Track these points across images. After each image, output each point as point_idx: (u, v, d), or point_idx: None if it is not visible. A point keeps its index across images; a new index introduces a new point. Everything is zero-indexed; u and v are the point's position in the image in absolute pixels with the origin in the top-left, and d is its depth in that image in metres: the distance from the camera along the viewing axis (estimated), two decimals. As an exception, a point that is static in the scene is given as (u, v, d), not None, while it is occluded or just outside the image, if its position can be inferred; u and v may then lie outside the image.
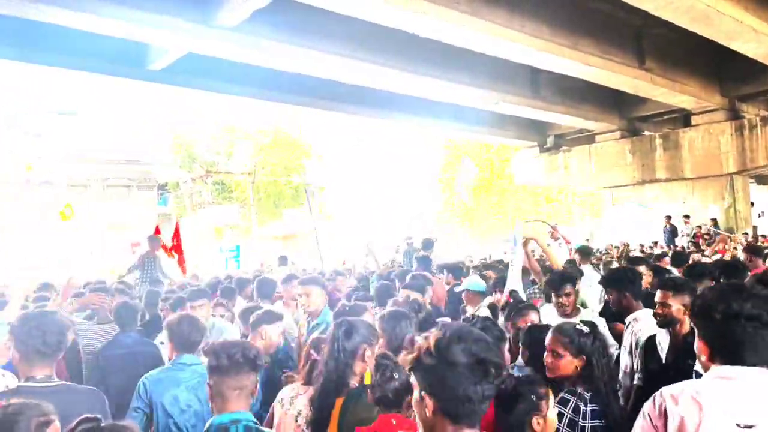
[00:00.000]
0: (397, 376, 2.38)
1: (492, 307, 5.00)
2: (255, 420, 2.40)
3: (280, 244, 27.25)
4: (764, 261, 6.43)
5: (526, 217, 28.58)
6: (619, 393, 3.42)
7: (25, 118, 30.02)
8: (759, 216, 19.74)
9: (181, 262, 10.63)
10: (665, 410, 1.80)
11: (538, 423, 2.31)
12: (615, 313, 4.06)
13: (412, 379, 1.65)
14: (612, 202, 20.13)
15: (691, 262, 7.20)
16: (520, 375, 2.81)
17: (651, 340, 3.41)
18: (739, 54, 12.36)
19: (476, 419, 1.59)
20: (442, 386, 1.56)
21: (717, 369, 1.78)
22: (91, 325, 5.17)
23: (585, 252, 8.25)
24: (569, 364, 2.75)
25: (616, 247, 16.00)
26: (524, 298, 4.94)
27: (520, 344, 3.40)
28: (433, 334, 1.64)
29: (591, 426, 2.58)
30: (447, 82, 13.22)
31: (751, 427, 1.67)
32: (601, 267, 8.42)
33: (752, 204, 18.27)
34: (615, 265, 8.50)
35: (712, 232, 16.15)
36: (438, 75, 12.95)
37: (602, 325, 3.88)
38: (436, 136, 29.94)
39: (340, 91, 14.09)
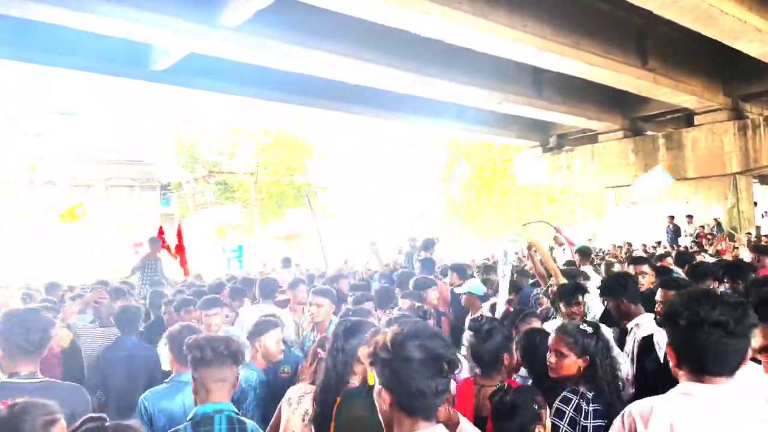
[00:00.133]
0: None
1: (493, 309, 5.00)
2: (236, 410, 2.50)
3: (283, 244, 27.26)
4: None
5: (529, 218, 28.58)
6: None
7: (28, 119, 30.08)
8: (762, 216, 19.71)
9: (183, 262, 10.63)
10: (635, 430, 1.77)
11: (543, 429, 2.37)
12: (616, 320, 4.03)
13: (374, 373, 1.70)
14: (615, 202, 20.09)
15: (695, 262, 7.17)
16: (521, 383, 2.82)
17: (648, 339, 3.38)
18: (743, 53, 12.34)
19: (431, 413, 1.64)
20: (397, 381, 1.61)
21: (683, 385, 1.75)
22: (92, 328, 5.18)
23: (585, 253, 8.24)
24: (573, 364, 2.75)
25: (618, 247, 15.99)
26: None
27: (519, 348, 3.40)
28: (391, 330, 1.69)
29: (593, 426, 2.57)
30: (449, 82, 13.22)
31: None
32: (602, 267, 8.39)
33: (755, 204, 18.23)
34: (617, 266, 8.48)
35: (715, 232, 16.11)
36: (440, 75, 12.95)
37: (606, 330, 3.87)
38: (439, 136, 29.95)
39: (343, 91, 14.09)
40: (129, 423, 1.92)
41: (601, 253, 15.00)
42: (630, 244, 15.79)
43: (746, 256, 6.77)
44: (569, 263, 7.33)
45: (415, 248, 9.54)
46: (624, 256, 12.50)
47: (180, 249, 10.71)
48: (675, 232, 16.98)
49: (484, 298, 5.53)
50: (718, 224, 16.51)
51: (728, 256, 9.33)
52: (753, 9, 10.27)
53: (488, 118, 17.76)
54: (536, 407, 2.41)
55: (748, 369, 2.25)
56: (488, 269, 8.08)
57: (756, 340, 2.44)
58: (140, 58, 11.65)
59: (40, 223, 27.56)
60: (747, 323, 1.68)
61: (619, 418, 1.86)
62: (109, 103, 32.84)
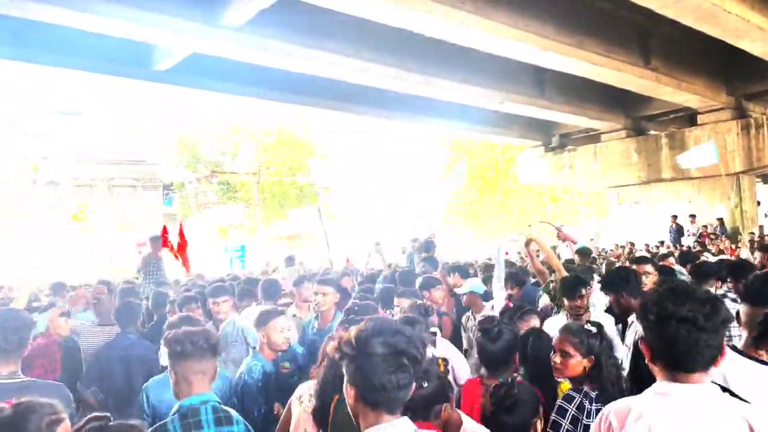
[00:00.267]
0: (426, 384, 2.37)
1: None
2: (219, 400, 2.59)
3: (285, 244, 27.27)
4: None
5: (532, 218, 28.55)
6: None
7: (31, 119, 30.14)
8: (765, 215, 19.65)
9: (185, 261, 10.61)
10: None
11: (540, 423, 2.45)
12: (618, 314, 4.04)
13: (344, 369, 1.75)
14: (618, 202, 20.06)
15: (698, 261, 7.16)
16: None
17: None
18: (746, 52, 12.31)
19: (394, 406, 1.70)
20: (360, 376, 1.68)
21: (658, 385, 1.75)
22: (91, 326, 5.18)
23: (585, 253, 8.24)
24: (578, 364, 2.75)
25: (621, 246, 15.97)
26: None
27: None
28: (355, 327, 1.75)
29: (596, 425, 2.57)
30: (451, 82, 13.22)
31: None
32: (603, 267, 8.39)
33: (759, 203, 18.20)
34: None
35: (718, 232, 16.09)
36: (442, 75, 12.95)
37: (610, 323, 3.87)
38: (441, 136, 29.93)
39: (345, 90, 14.09)
40: (132, 422, 1.93)
41: (604, 253, 15.00)
42: (633, 244, 15.77)
43: (746, 255, 6.76)
44: (569, 262, 7.33)
45: (416, 249, 9.55)
46: (626, 256, 12.48)
47: (182, 247, 10.69)
48: (678, 232, 16.96)
49: (485, 297, 5.53)
50: (721, 224, 16.49)
51: (729, 255, 9.31)
52: (756, 8, 10.25)
53: (490, 117, 17.74)
54: (536, 401, 2.45)
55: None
56: (489, 268, 8.09)
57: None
58: (142, 59, 11.66)
59: (42, 223, 27.62)
60: (717, 319, 1.68)
61: (597, 420, 1.88)
62: (112, 104, 32.88)
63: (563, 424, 2.56)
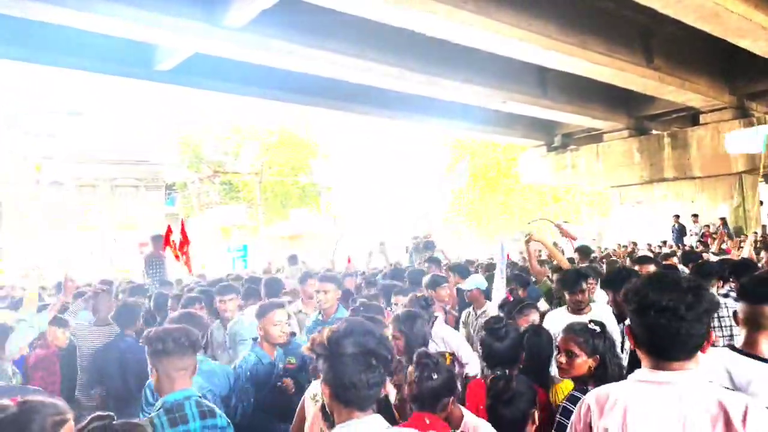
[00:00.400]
0: (435, 376, 2.40)
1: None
2: (200, 395, 2.68)
3: (287, 243, 27.29)
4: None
5: (533, 217, 28.52)
6: None
7: (33, 119, 30.19)
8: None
9: (187, 261, 10.56)
10: (590, 422, 1.79)
11: (537, 414, 2.51)
12: (618, 314, 4.04)
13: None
14: (620, 202, 20.04)
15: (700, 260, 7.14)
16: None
17: None
18: (748, 52, 12.29)
19: (365, 404, 1.77)
20: (332, 375, 1.77)
21: (640, 372, 1.76)
22: (88, 327, 5.16)
23: (585, 251, 8.23)
24: (584, 364, 2.75)
25: (624, 246, 15.95)
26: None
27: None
28: (329, 328, 1.84)
29: (600, 425, 2.57)
30: (454, 82, 13.21)
31: None
32: (604, 266, 8.37)
33: (761, 203, 18.15)
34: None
35: (721, 231, 16.06)
36: (445, 74, 12.94)
37: (610, 317, 3.88)
38: (443, 136, 29.93)
39: (348, 90, 14.09)
40: (136, 421, 1.95)
41: (606, 252, 14.97)
42: (635, 244, 15.75)
43: (747, 254, 6.74)
44: (569, 261, 7.33)
45: (414, 247, 9.58)
46: (625, 253, 12.47)
47: (184, 246, 10.65)
48: (680, 232, 16.94)
49: (486, 295, 5.54)
50: (724, 223, 16.46)
51: (732, 255, 9.28)
52: (759, 7, 10.22)
53: (493, 117, 17.74)
54: (533, 393, 2.47)
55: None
56: (491, 267, 8.10)
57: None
58: (145, 59, 11.68)
59: (45, 223, 27.67)
60: (700, 308, 1.67)
61: (577, 407, 1.89)
62: (114, 104, 32.97)
63: (568, 425, 2.56)
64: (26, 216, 27.31)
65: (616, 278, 3.97)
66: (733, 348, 2.45)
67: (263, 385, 3.58)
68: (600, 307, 4.19)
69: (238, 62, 11.59)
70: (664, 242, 15.93)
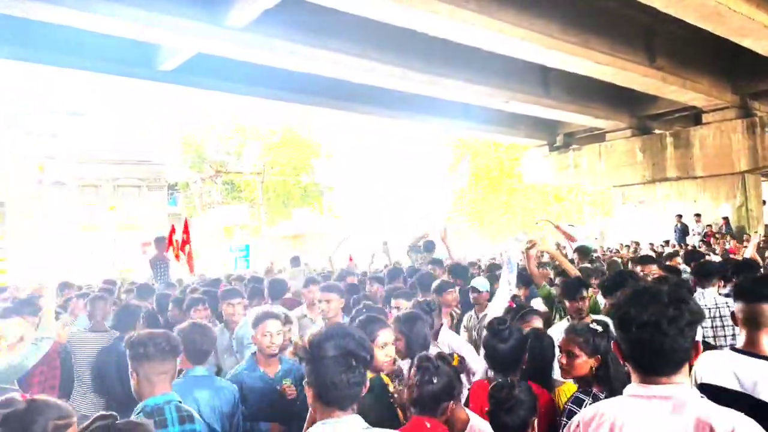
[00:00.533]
0: (436, 380, 2.40)
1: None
2: (180, 399, 2.70)
3: (290, 243, 27.32)
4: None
5: (536, 217, 28.47)
6: None
7: (36, 119, 30.24)
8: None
9: (189, 260, 10.56)
10: None
11: (536, 422, 2.50)
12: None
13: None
14: (622, 201, 20.02)
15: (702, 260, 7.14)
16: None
17: None
18: (751, 51, 12.27)
19: (345, 403, 1.87)
20: (315, 376, 1.87)
21: (630, 387, 1.74)
22: (83, 333, 5.11)
23: (584, 252, 8.21)
24: (584, 364, 2.74)
25: (626, 246, 15.94)
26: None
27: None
28: (311, 333, 1.96)
29: (605, 427, 2.57)
30: (456, 81, 13.21)
31: None
32: (605, 266, 8.36)
33: (764, 202, 18.13)
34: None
35: (723, 231, 16.04)
36: (447, 74, 12.94)
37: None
38: (445, 135, 29.91)
39: (350, 90, 14.09)
40: (139, 421, 1.96)
41: (608, 252, 14.97)
42: (637, 243, 15.74)
43: (750, 254, 6.73)
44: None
45: (419, 250, 9.56)
46: (631, 255, 12.45)
47: (186, 245, 10.65)
48: (683, 231, 16.91)
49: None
50: (727, 223, 16.44)
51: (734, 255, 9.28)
52: (761, 6, 10.20)
53: (495, 117, 17.73)
54: (535, 400, 2.48)
55: None
56: (493, 267, 8.09)
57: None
58: (147, 59, 11.69)
59: (47, 223, 27.71)
60: (682, 322, 1.65)
61: (567, 426, 1.88)
62: (117, 104, 32.99)
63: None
64: (29, 216, 27.35)
65: (613, 283, 3.96)
66: (734, 349, 2.45)
67: (251, 397, 3.55)
68: (602, 316, 4.18)
69: (240, 62, 11.60)
70: (667, 242, 15.91)
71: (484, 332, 3.28)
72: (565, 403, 2.73)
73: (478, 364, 3.88)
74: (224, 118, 34.82)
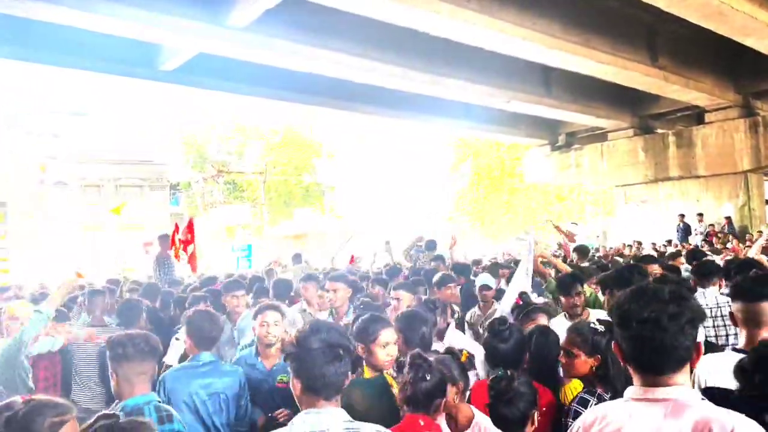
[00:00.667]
0: (429, 377, 2.40)
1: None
2: (159, 399, 2.76)
3: (291, 243, 27.34)
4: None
5: (536, 216, 28.48)
6: None
7: (37, 119, 30.29)
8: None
9: (192, 259, 10.53)
10: None
11: (537, 416, 2.51)
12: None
13: (289, 368, 2.03)
14: (625, 201, 19.99)
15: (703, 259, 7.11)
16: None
17: None
18: (754, 50, 12.25)
19: (331, 393, 1.96)
20: (303, 368, 1.96)
21: (632, 389, 1.72)
22: (81, 328, 5.10)
23: (583, 251, 8.20)
24: (584, 363, 2.73)
25: (628, 245, 15.91)
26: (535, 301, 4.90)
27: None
28: (298, 329, 2.08)
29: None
30: (458, 81, 13.21)
31: None
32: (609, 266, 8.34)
33: (767, 202, 18.09)
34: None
35: (726, 230, 16.02)
36: (449, 74, 12.93)
37: None
38: (447, 135, 29.91)
39: (352, 90, 14.09)
40: (142, 420, 1.99)
41: (610, 251, 14.94)
42: (640, 243, 15.71)
43: (754, 254, 6.70)
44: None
45: (421, 248, 9.58)
46: (632, 254, 12.43)
47: (189, 244, 10.62)
48: (685, 231, 16.88)
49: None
50: (729, 222, 16.41)
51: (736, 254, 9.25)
52: (764, 5, 10.18)
53: (497, 116, 17.72)
54: (534, 394, 2.47)
55: None
56: (495, 267, 8.08)
57: None
58: (149, 59, 11.70)
59: (50, 223, 27.75)
60: (682, 319, 1.63)
61: (570, 429, 1.87)
62: (118, 104, 33.06)
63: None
64: (31, 216, 27.40)
65: (610, 278, 3.94)
66: (736, 349, 2.43)
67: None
68: (599, 313, 4.15)
69: (241, 62, 11.61)
70: (669, 241, 15.88)
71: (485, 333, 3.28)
72: (570, 403, 2.72)
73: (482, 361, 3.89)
74: (226, 118, 34.86)
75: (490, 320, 3.58)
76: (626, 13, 12.23)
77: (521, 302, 4.54)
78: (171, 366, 3.89)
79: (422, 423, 2.37)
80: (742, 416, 1.59)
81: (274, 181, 36.28)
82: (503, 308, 4.65)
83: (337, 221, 32.61)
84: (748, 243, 12.05)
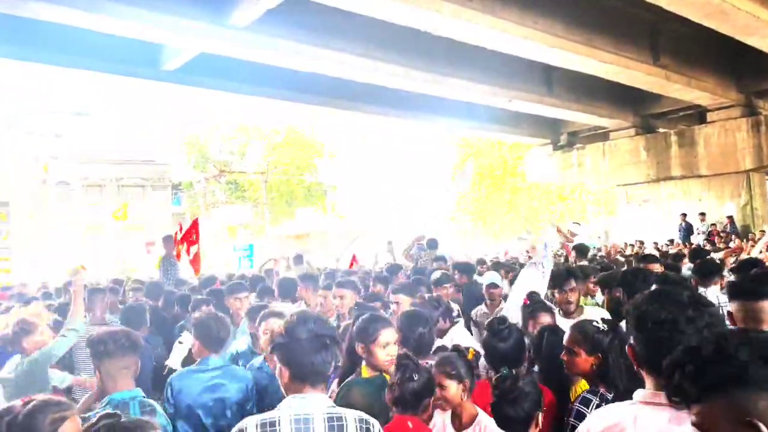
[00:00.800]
0: (416, 377, 2.40)
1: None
2: (144, 395, 2.80)
3: (293, 243, 27.37)
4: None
5: (538, 215, 28.46)
6: None
7: (40, 119, 30.34)
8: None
9: (196, 260, 10.51)
10: None
11: (540, 417, 2.49)
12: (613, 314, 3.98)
13: (275, 358, 2.10)
14: (627, 200, 19.97)
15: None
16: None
17: None
18: (756, 49, 12.23)
19: (317, 380, 2.06)
20: (292, 357, 2.04)
21: (642, 392, 1.68)
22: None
23: (581, 250, 8.20)
24: (584, 362, 2.72)
25: (630, 245, 15.90)
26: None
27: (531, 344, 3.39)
28: (286, 320, 2.14)
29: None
30: (460, 80, 13.20)
31: None
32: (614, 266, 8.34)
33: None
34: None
35: (728, 230, 16.00)
36: (451, 73, 12.93)
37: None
38: (449, 135, 29.90)
39: (354, 90, 14.09)
40: (145, 419, 2.00)
41: (612, 250, 14.92)
42: (642, 243, 15.69)
43: (757, 253, 6.71)
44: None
45: (423, 247, 9.59)
46: (633, 253, 12.42)
47: (191, 246, 10.60)
48: (687, 230, 16.85)
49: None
50: (731, 222, 16.38)
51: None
52: (766, 4, 10.16)
53: (499, 116, 17.70)
54: (539, 394, 2.46)
55: None
56: (497, 266, 8.09)
57: None
58: (151, 58, 11.70)
59: (52, 223, 27.79)
60: (700, 323, 1.61)
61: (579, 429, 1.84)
62: (120, 104, 33.12)
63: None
64: (33, 216, 27.45)
65: (611, 278, 3.93)
66: None
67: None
68: (594, 310, 4.12)
69: (244, 62, 11.61)
70: (671, 241, 15.86)
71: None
72: (572, 403, 2.71)
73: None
74: (228, 118, 34.89)
75: (490, 320, 3.57)
76: (628, 13, 12.22)
77: (529, 302, 4.52)
78: (174, 369, 3.88)
79: (411, 425, 2.37)
80: None
81: (276, 181, 36.30)
82: (509, 308, 4.63)
83: (339, 221, 32.63)
84: (751, 243, 12.03)
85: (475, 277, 7.06)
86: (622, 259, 9.69)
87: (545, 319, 3.81)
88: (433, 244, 9.39)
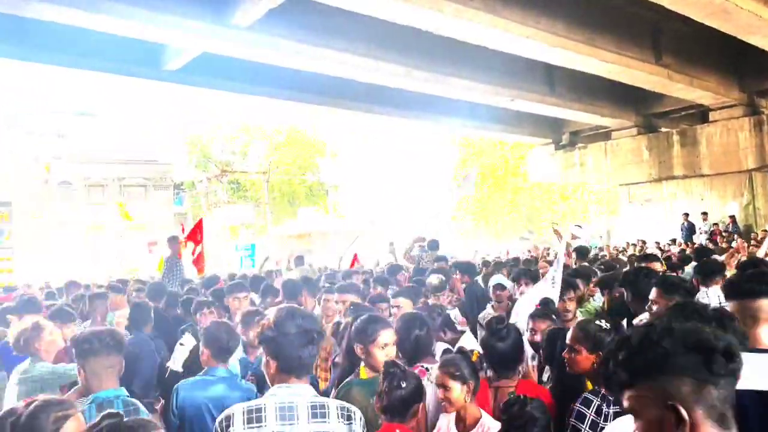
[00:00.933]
0: (404, 385, 2.39)
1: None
2: (128, 394, 2.83)
3: (295, 242, 27.37)
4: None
5: (540, 215, 28.43)
6: None
7: (42, 119, 30.38)
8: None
9: (199, 260, 10.50)
10: None
11: None
12: (624, 312, 3.98)
13: (261, 350, 2.22)
14: (629, 200, 19.95)
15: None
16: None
17: None
18: (758, 49, 12.20)
19: (303, 372, 2.16)
20: (279, 351, 2.13)
21: None
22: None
23: (581, 252, 8.19)
24: (586, 360, 2.73)
25: (632, 245, 15.89)
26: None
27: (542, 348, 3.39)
28: (274, 314, 2.21)
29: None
30: (461, 80, 13.19)
31: None
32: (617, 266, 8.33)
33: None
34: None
35: (730, 229, 15.97)
36: (452, 73, 12.92)
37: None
38: (451, 134, 29.89)
39: (356, 90, 14.08)
40: (147, 419, 2.01)
41: (615, 251, 14.92)
42: (644, 242, 15.68)
43: (763, 254, 6.69)
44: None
45: (424, 248, 9.58)
46: (634, 253, 12.41)
47: (198, 244, 10.58)
48: (689, 230, 16.84)
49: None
50: (734, 221, 16.36)
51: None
52: (768, 3, 10.16)
53: (500, 115, 17.68)
54: (548, 418, 2.45)
55: None
56: (499, 266, 8.08)
57: None
58: (153, 58, 11.70)
59: (54, 223, 27.83)
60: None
61: None
62: (122, 104, 33.11)
63: (583, 429, 2.53)
64: (35, 216, 27.49)
65: (611, 278, 3.94)
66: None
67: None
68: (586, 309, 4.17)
69: (246, 62, 11.61)
70: (674, 240, 15.84)
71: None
72: (573, 404, 2.71)
73: None
74: (230, 118, 34.90)
75: (488, 320, 3.57)
76: (630, 12, 12.20)
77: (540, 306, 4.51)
78: (175, 371, 3.87)
79: None
80: None
81: (278, 181, 36.33)
82: (519, 312, 4.60)
83: (340, 221, 32.64)
84: (753, 243, 12.01)
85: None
86: (625, 259, 9.69)
87: (541, 326, 3.80)
88: (434, 245, 9.38)
